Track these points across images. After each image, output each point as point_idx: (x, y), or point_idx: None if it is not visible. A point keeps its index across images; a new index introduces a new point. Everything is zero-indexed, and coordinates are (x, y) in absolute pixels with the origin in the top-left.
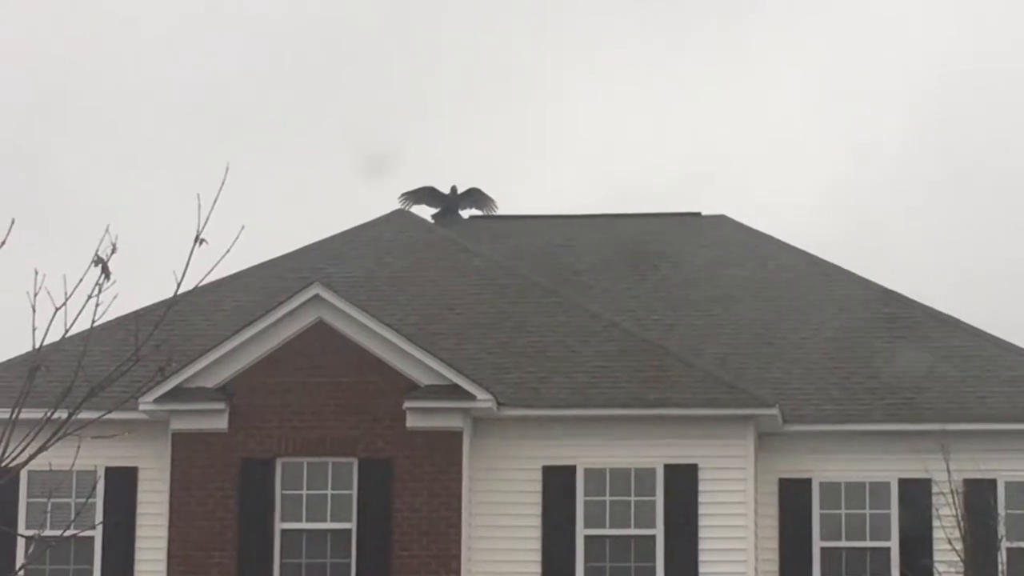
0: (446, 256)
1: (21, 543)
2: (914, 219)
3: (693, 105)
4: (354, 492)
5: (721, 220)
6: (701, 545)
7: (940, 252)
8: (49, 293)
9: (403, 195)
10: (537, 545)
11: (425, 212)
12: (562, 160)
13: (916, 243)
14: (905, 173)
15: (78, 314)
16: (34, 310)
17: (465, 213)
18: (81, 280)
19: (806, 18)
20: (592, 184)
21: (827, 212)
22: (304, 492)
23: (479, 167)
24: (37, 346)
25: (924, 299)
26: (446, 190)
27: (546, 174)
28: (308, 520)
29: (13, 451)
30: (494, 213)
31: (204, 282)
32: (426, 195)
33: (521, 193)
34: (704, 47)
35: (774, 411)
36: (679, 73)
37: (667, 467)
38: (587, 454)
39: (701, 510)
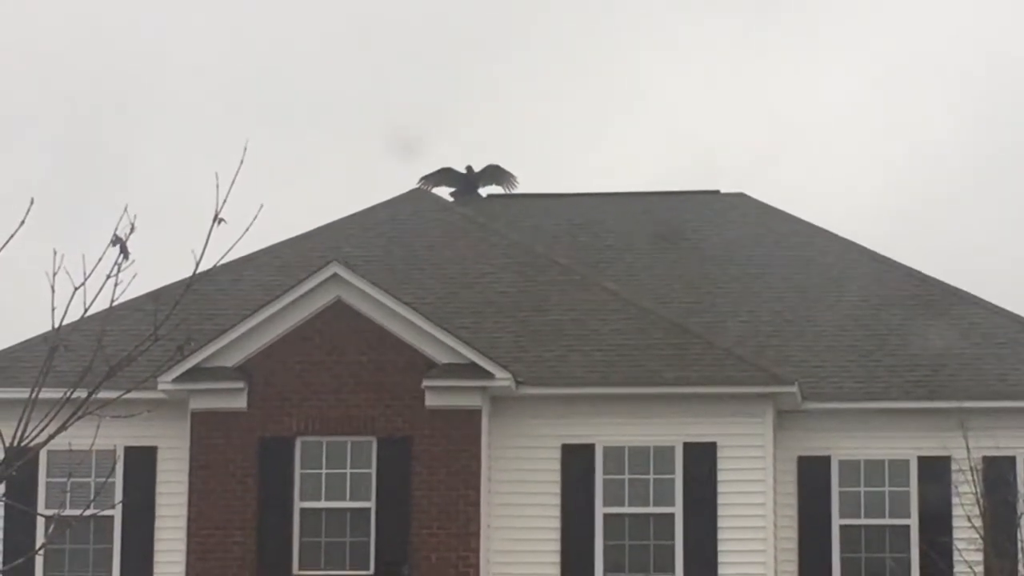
0: (464, 234)
1: (41, 523)
2: (955, 204)
3: (746, 86)
4: (373, 471)
5: (740, 198)
6: (720, 523)
7: (968, 230)
8: (68, 272)
9: (423, 178)
10: (556, 523)
11: (445, 194)
12: (607, 140)
13: (951, 226)
14: (951, 161)
15: (97, 294)
16: (53, 290)
17: (486, 191)
18: (100, 260)
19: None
20: (630, 165)
21: (877, 198)
22: (323, 471)
23: (523, 147)
24: (56, 326)
25: (956, 280)
26: (463, 171)
27: (589, 153)
28: (327, 499)
29: (33, 431)
30: (515, 188)
31: (223, 261)
32: (445, 176)
33: (563, 172)
34: (754, 29)
35: (793, 389)
36: (734, 53)
37: (686, 445)
38: (606, 432)
39: (720, 488)
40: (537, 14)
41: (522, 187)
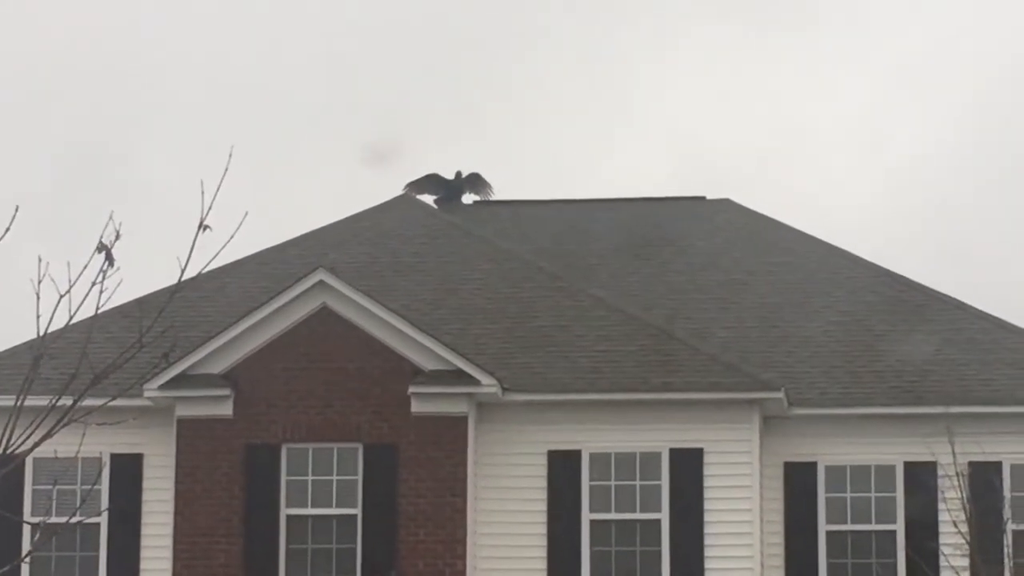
0: (450, 241)
1: (27, 530)
2: (951, 210)
3: (744, 92)
4: (359, 478)
5: (725, 204)
6: (707, 529)
7: (963, 237)
8: (53, 280)
9: (408, 185)
10: (542, 530)
11: (430, 201)
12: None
13: (946, 232)
14: (949, 167)
15: (82, 301)
16: (38, 297)
17: (466, 199)
18: (85, 267)
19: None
20: (626, 171)
21: (875, 203)
22: (309, 478)
23: (519, 153)
24: (41, 333)
25: (942, 285)
26: (451, 177)
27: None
28: (313, 506)
29: (18, 438)
30: (491, 198)
31: (208, 268)
32: (431, 183)
33: (560, 179)
34: (753, 34)
35: (779, 395)
36: (732, 58)
37: (672, 451)
38: (592, 438)
39: (706, 494)
40: (536, 17)
41: (524, 194)
